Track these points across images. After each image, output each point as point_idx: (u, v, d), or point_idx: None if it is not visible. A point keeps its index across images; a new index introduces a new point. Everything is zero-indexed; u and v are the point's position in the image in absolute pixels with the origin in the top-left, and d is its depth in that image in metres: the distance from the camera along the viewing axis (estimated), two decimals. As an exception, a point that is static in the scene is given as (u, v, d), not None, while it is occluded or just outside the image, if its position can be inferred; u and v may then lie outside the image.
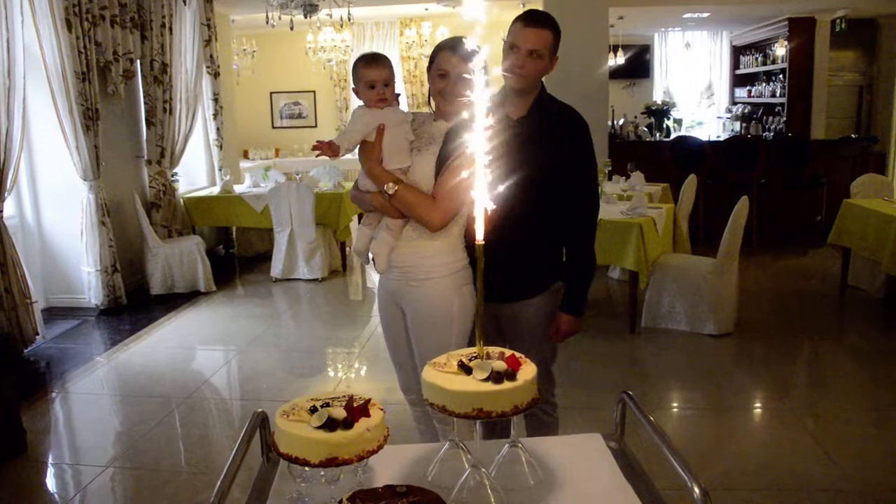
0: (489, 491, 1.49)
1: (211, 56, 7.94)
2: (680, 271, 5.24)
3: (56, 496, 3.40)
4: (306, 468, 1.48)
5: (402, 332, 2.66)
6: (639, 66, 11.72)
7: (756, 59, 10.62)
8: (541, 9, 7.50)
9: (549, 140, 2.56)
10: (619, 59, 10.77)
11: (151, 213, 7.03)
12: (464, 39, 2.54)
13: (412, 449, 1.75)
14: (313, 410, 1.54)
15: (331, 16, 5.95)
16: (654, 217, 5.31)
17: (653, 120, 8.58)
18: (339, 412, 1.51)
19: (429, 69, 2.55)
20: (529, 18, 2.49)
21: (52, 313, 6.15)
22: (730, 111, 10.83)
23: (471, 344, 2.86)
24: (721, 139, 8.98)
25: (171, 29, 7.06)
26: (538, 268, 2.66)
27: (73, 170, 5.86)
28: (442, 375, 1.50)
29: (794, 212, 8.11)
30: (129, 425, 4.15)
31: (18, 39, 4.98)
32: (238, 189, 7.78)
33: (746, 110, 10.19)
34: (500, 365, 1.47)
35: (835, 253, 6.91)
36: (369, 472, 1.65)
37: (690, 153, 7.82)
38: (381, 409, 1.56)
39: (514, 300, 2.66)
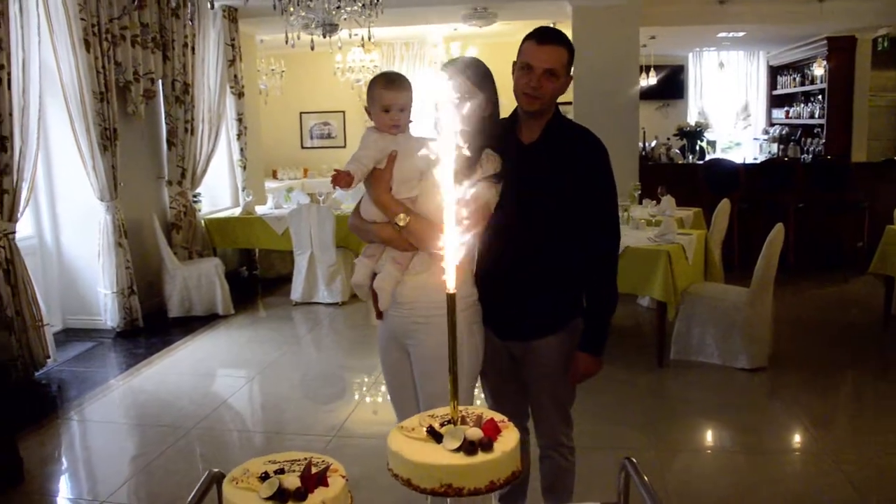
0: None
1: (235, 76, 7.89)
2: (711, 301, 4.98)
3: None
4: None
5: (406, 375, 2.47)
6: (673, 87, 11.46)
7: (794, 79, 10.31)
8: (569, 29, 7.24)
9: (564, 166, 2.37)
10: (651, 80, 10.52)
11: (172, 235, 6.97)
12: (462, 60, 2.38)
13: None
14: (265, 477, 1.37)
15: (350, 35, 5.85)
16: (683, 244, 5.07)
17: (685, 142, 8.32)
18: (293, 481, 1.33)
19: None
20: (543, 36, 2.32)
21: (68, 335, 6.09)
22: (767, 133, 10.51)
23: (488, 384, 2.68)
24: (756, 161, 8.68)
25: (193, 49, 7.01)
26: (554, 304, 2.45)
27: (90, 190, 5.80)
28: (407, 443, 1.31)
29: (833, 238, 7.76)
30: (132, 455, 4.02)
31: (34, 59, 4.94)
32: (260, 210, 7.69)
33: (784, 132, 9.87)
34: (475, 433, 1.27)
35: (877, 281, 6.56)
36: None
37: (724, 176, 7.54)
38: (343, 477, 1.38)
39: (528, 338, 2.47)
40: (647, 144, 8.44)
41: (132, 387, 5.00)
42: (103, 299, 6.02)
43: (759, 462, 3.75)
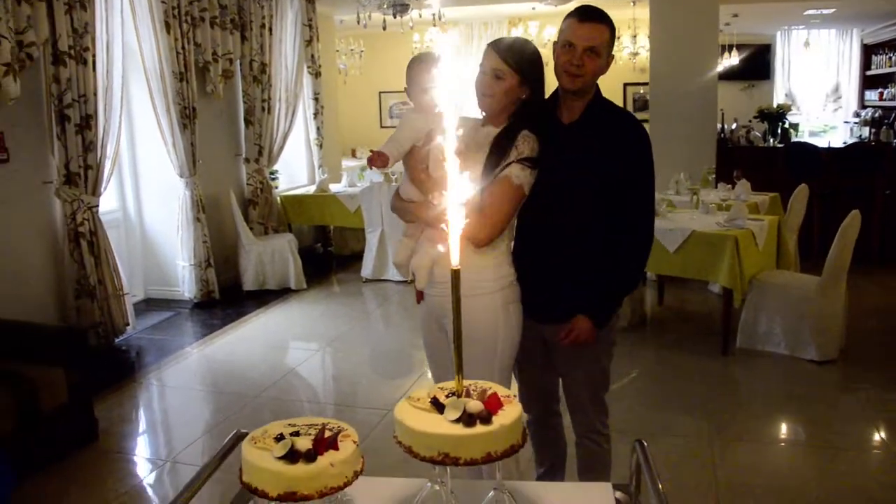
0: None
1: (312, 56, 8.04)
2: (780, 289, 4.83)
3: (118, 485, 3.46)
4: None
5: (445, 355, 2.49)
6: (758, 67, 11.02)
7: (890, 58, 9.77)
8: (647, 8, 7.05)
9: (602, 148, 2.34)
10: (733, 60, 10.16)
11: (248, 211, 7.20)
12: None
13: (400, 484, 1.61)
14: (280, 438, 1.44)
15: (420, 15, 5.89)
16: (753, 229, 4.92)
17: (767, 125, 8.03)
18: (304, 443, 1.40)
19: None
20: (585, 14, 2.29)
21: (149, 304, 6.40)
22: (858, 115, 10.02)
23: (519, 367, 2.70)
24: (841, 146, 8.31)
25: (270, 29, 7.19)
26: (587, 288, 2.43)
27: (171, 167, 6.05)
28: (411, 412, 1.35)
29: (924, 226, 7.38)
30: (202, 419, 4.23)
31: (117, 42, 5.16)
32: (334, 188, 7.86)
33: (877, 114, 9.38)
34: (476, 405, 1.30)
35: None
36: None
37: (806, 161, 7.26)
38: (355, 443, 1.43)
39: (559, 321, 2.47)
40: (725, 127, 8.18)
41: (206, 355, 5.23)
42: (181, 271, 6.29)
43: (823, 457, 3.64)
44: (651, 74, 7.40)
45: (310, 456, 1.37)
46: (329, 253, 8.60)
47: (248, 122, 7.13)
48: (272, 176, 7.67)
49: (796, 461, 3.62)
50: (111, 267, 5.16)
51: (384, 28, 6.12)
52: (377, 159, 2.27)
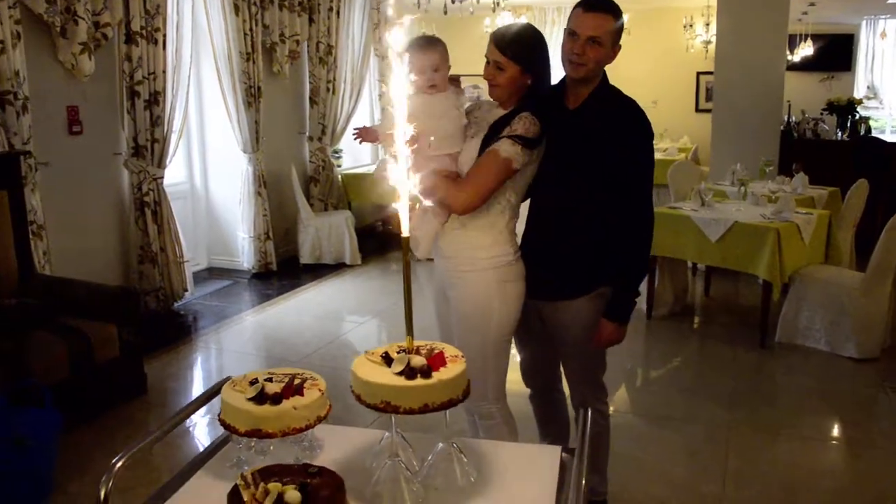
0: (403, 484, 1.47)
1: (380, 39, 8.23)
2: (823, 284, 4.76)
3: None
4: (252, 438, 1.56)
5: (447, 321, 2.65)
6: (839, 58, 10.64)
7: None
8: None
9: (601, 135, 2.40)
10: (807, 50, 9.86)
11: (310, 187, 7.47)
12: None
13: (365, 434, 1.75)
14: (254, 383, 1.61)
15: (478, 2, 5.99)
16: (798, 223, 4.86)
17: (836, 117, 7.80)
18: (273, 388, 1.57)
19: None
20: (589, 4, 2.36)
21: (212, 273, 6.74)
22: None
23: (520, 342, 2.81)
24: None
25: (338, 12, 7.40)
26: (580, 268, 2.53)
27: (235, 142, 6.34)
28: (363, 364, 1.50)
29: None
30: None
31: (187, 22, 5.46)
32: (393, 168, 8.04)
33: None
34: (419, 361, 1.44)
35: None
36: (315, 450, 1.68)
37: (875, 156, 7.05)
38: (321, 391, 1.59)
39: (555, 299, 2.57)
40: (792, 118, 7.99)
41: (257, 321, 5.52)
42: (241, 243, 6.61)
43: (846, 454, 3.64)
44: (716, 63, 7.27)
45: (276, 399, 1.54)
46: (389, 231, 8.81)
47: (312, 102, 7.38)
48: (336, 154, 7.91)
49: (815, 456, 3.61)
50: (173, 235, 5.48)
51: (445, 12, 6.25)
52: (365, 133, 2.40)
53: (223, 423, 1.57)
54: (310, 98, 7.37)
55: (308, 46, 7.20)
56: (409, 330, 1.52)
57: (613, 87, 2.53)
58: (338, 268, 6.98)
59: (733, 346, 4.93)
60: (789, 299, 4.89)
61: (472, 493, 1.51)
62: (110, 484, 1.41)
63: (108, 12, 4.80)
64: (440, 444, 1.56)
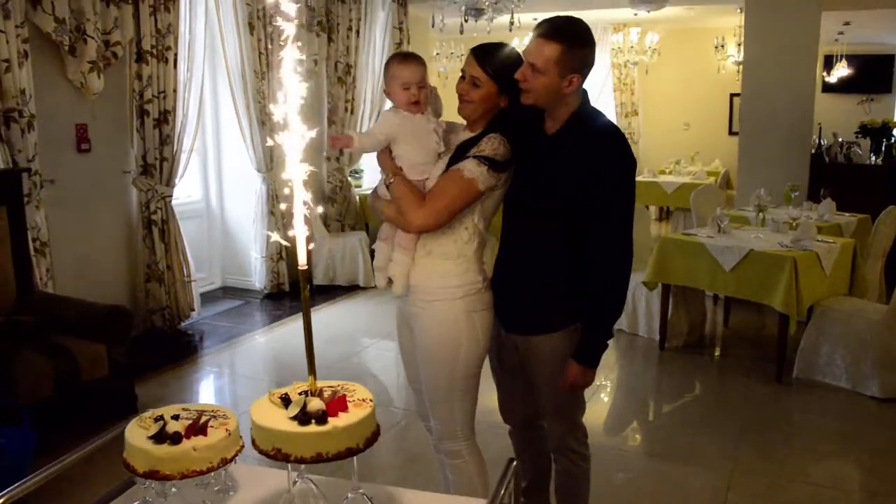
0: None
1: (402, 59, 8.19)
2: (844, 318, 4.53)
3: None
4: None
5: (412, 354, 2.53)
6: (879, 79, 10.31)
7: None
8: (743, 16, 6.64)
9: (573, 163, 2.25)
10: (843, 71, 9.56)
11: (327, 207, 7.43)
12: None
13: (279, 476, 1.65)
14: (158, 419, 1.52)
15: (491, 20, 5.91)
16: (819, 252, 4.65)
17: (870, 141, 7.51)
18: (175, 426, 1.48)
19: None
20: (539, 28, 2.20)
21: (225, 292, 6.73)
22: None
23: (496, 376, 2.68)
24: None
25: (358, 32, 7.39)
26: (552, 303, 2.39)
27: (249, 161, 6.34)
28: (263, 406, 1.41)
29: None
30: (239, 403, 4.42)
31: (199, 41, 5.48)
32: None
33: None
34: (316, 405, 1.33)
35: None
36: (227, 492, 1.59)
37: (908, 182, 6.76)
38: (228, 432, 1.50)
39: (527, 333, 2.44)
40: (823, 142, 7.72)
41: (262, 343, 5.47)
42: (254, 262, 6.58)
43: None
44: (743, 84, 7.10)
45: (175, 438, 1.44)
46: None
47: (330, 122, 7.36)
48: (356, 174, 7.88)
49: None
50: (181, 254, 5.47)
51: (461, 32, 6.18)
52: (342, 140, 2.31)
53: (124, 462, 1.48)
54: (328, 118, 7.35)
55: (326, 66, 7.19)
56: (311, 369, 1.41)
57: (594, 112, 2.38)
58: (351, 290, 6.92)
59: (748, 380, 4.72)
60: (808, 332, 4.67)
61: (379, 550, 1.39)
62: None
63: (118, 31, 4.84)
64: (349, 494, 1.45)
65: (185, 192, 6.22)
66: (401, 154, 2.30)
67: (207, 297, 6.35)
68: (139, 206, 5.28)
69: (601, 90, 11.35)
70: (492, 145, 2.24)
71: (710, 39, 10.02)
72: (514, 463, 1.49)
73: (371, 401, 1.42)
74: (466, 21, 5.67)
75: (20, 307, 3.99)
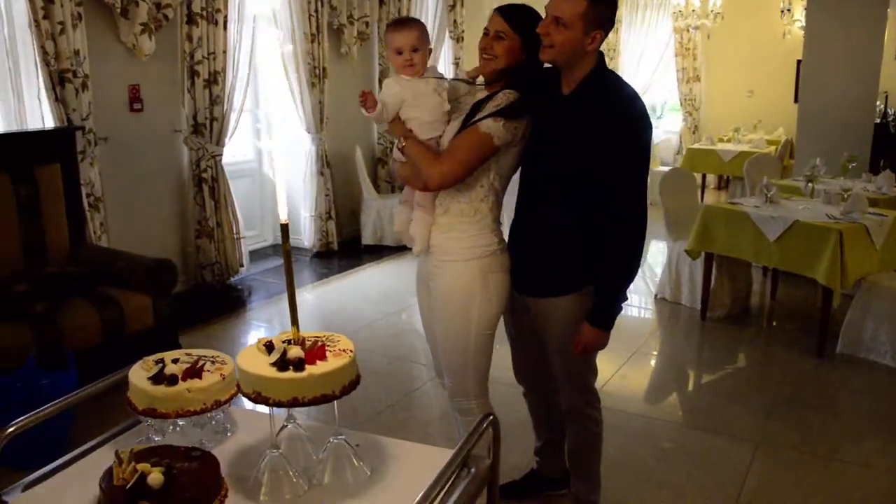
0: (282, 476, 1.45)
1: (454, 21, 8.16)
2: (891, 293, 4.40)
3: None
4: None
5: (428, 313, 2.59)
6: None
7: None
8: None
9: (587, 124, 2.25)
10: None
11: (377, 168, 7.52)
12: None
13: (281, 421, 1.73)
14: (159, 362, 1.62)
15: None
16: (868, 225, 4.51)
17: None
18: (172, 369, 1.57)
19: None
20: None
21: (276, 250, 6.90)
22: None
23: (511, 338, 2.72)
24: None
25: (410, -6, 7.40)
26: (564, 265, 2.41)
27: (299, 122, 6.45)
28: (249, 352, 1.49)
29: None
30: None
31: (249, 2, 5.56)
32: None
33: None
34: (295, 352, 1.40)
35: None
36: (223, 433, 1.68)
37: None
38: (222, 376, 1.58)
39: (540, 295, 2.46)
40: (889, 111, 7.40)
41: (306, 300, 5.62)
42: (304, 221, 6.72)
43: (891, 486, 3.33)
44: (805, 50, 6.86)
45: (172, 380, 1.54)
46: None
47: (381, 84, 7.38)
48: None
49: (855, 485, 3.27)
50: (230, 212, 5.64)
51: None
52: (369, 100, 2.30)
53: (127, 400, 1.58)
54: (379, 80, 7.39)
55: (378, 28, 7.22)
56: (294, 319, 1.48)
57: (610, 73, 2.38)
58: (398, 250, 6.99)
59: (789, 353, 4.64)
60: (853, 307, 4.55)
61: (356, 492, 1.46)
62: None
63: (169, -7, 4.96)
64: (332, 439, 1.52)
65: (237, 151, 6.38)
66: (409, 117, 2.34)
67: (257, 255, 6.53)
68: (190, 165, 5.45)
69: (662, 55, 11.09)
70: (504, 98, 2.27)
71: (776, 3, 9.66)
72: (490, 418, 1.53)
73: (351, 351, 1.48)
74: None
75: (72, 259, 4.19)
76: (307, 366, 1.39)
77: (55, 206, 4.18)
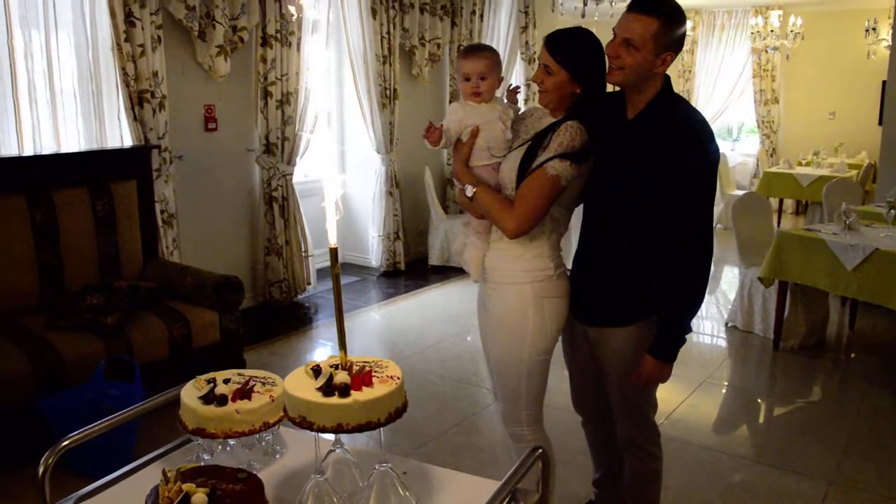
0: (328, 501, 1.43)
1: (526, 42, 8.15)
2: (982, 327, 4.15)
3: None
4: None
5: (486, 334, 2.57)
6: None
7: None
8: None
9: (652, 150, 2.18)
10: None
11: (446, 189, 7.54)
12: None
13: (321, 444, 1.72)
14: (210, 382, 1.64)
15: (612, 4, 5.75)
16: (956, 254, 4.27)
17: None
18: (223, 389, 1.58)
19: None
20: (635, 3, 2.14)
21: (343, 269, 6.96)
22: None
23: (569, 367, 2.66)
24: None
25: (481, 16, 7.42)
26: (625, 294, 2.33)
27: (370, 142, 6.53)
28: (296, 375, 1.48)
29: None
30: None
31: (322, 24, 5.69)
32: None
33: None
34: (341, 378, 1.39)
35: None
36: (273, 455, 1.68)
37: None
38: (272, 398, 1.59)
39: (600, 325, 2.40)
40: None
41: (371, 319, 5.65)
42: (371, 241, 6.78)
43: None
44: (891, 69, 6.58)
45: (222, 400, 1.55)
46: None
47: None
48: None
49: None
50: (299, 230, 5.73)
51: (583, 16, 6.07)
52: (433, 134, 2.33)
53: (178, 419, 1.60)
54: (449, 101, 7.43)
55: (449, 50, 7.27)
56: (342, 344, 1.47)
57: (677, 97, 2.29)
58: (464, 272, 6.86)
59: (867, 388, 4.42)
60: (941, 341, 4.31)
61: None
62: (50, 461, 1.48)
63: (244, 17, 5.10)
64: (377, 467, 1.50)
65: (309, 170, 6.50)
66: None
67: (325, 273, 6.59)
68: (261, 183, 5.57)
69: (739, 76, 10.84)
70: (570, 135, 2.20)
71: (860, 22, 9.31)
72: (540, 451, 1.49)
73: (398, 378, 1.45)
74: (586, 5, 5.56)
75: (144, 274, 4.31)
76: (353, 392, 1.37)
77: (130, 222, 4.32)
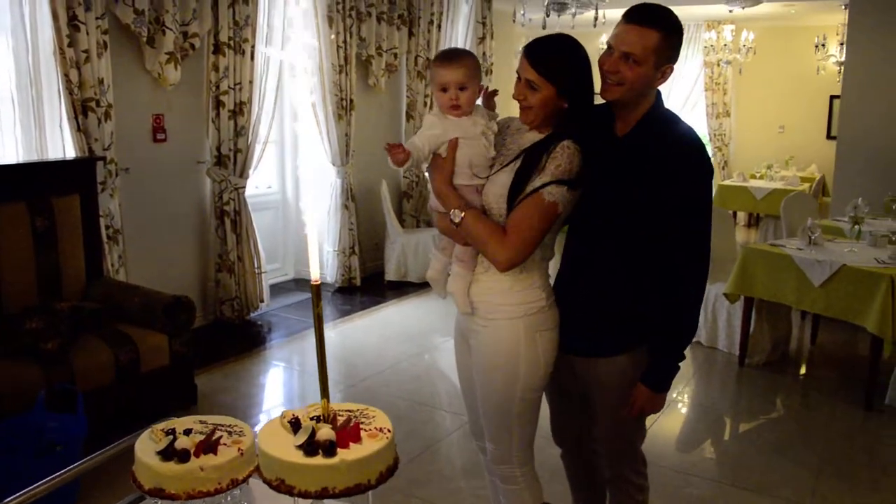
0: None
1: (484, 53, 8.05)
2: (946, 344, 4.15)
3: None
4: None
5: (467, 369, 2.38)
6: None
7: None
8: (847, 13, 6.23)
9: (646, 169, 2.05)
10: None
11: (402, 202, 7.37)
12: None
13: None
14: (169, 433, 1.44)
15: (574, 16, 5.70)
16: (920, 271, 4.27)
17: None
18: (184, 443, 1.39)
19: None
20: (632, 14, 1.99)
21: (298, 284, 6.75)
22: None
23: (549, 396, 2.50)
24: None
25: (439, 26, 7.29)
26: (616, 322, 2.20)
27: (325, 154, 6.33)
28: (273, 429, 1.30)
29: None
30: (294, 397, 4.39)
31: (277, 32, 5.49)
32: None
33: None
34: (325, 434, 1.22)
35: None
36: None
37: None
38: (240, 451, 1.40)
39: (588, 355, 2.25)
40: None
41: (326, 337, 5.42)
42: (327, 256, 6.57)
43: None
44: (843, 85, 6.70)
45: (183, 456, 1.36)
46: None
47: (409, 116, 7.29)
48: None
49: None
50: (252, 246, 5.50)
51: (544, 27, 5.99)
52: (396, 153, 2.08)
53: (132, 476, 1.41)
54: (406, 112, 7.28)
55: (406, 60, 7.12)
56: (324, 391, 1.30)
57: (668, 113, 2.16)
58: (422, 287, 6.81)
59: (834, 404, 4.39)
60: (905, 357, 4.30)
61: None
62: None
63: (196, 23, 4.87)
64: (366, 528, 1.33)
65: (264, 182, 6.28)
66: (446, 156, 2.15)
67: (279, 289, 6.38)
68: (212, 197, 5.33)
69: (692, 89, 10.94)
70: (568, 158, 2.01)
71: (810, 38, 9.48)
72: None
73: (389, 431, 1.29)
74: (549, 16, 5.47)
75: (88, 294, 4.05)
76: (339, 449, 1.21)
77: (72, 239, 4.05)
